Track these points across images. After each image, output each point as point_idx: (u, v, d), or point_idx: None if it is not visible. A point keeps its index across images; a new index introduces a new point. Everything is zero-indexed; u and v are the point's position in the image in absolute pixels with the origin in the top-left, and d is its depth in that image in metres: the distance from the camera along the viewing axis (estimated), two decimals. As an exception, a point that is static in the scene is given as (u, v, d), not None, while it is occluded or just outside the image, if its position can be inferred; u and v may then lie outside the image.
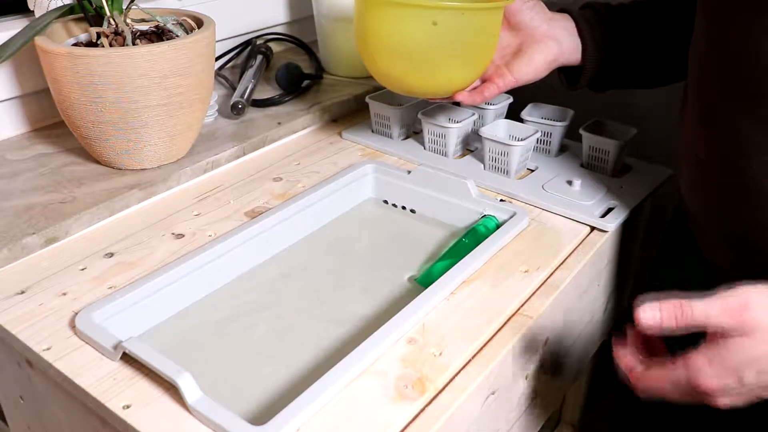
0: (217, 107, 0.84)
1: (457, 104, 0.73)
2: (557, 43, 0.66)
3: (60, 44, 0.65)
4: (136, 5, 0.71)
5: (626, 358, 0.48)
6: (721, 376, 0.43)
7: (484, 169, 0.75)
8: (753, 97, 0.48)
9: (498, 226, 0.66)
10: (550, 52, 0.66)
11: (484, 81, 0.68)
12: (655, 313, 0.44)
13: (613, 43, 0.67)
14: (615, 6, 0.69)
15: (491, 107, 0.82)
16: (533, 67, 0.66)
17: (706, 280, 0.63)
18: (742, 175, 0.50)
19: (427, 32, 0.61)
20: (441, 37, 0.62)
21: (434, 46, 0.62)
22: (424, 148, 0.80)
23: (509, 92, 0.82)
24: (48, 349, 0.50)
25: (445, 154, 0.78)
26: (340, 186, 0.71)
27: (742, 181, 0.50)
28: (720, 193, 0.54)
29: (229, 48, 1.01)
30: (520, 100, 0.82)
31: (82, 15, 0.70)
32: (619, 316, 0.79)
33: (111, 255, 0.61)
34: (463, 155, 0.79)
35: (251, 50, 0.98)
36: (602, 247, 0.65)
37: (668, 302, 0.44)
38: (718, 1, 0.50)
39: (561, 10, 0.69)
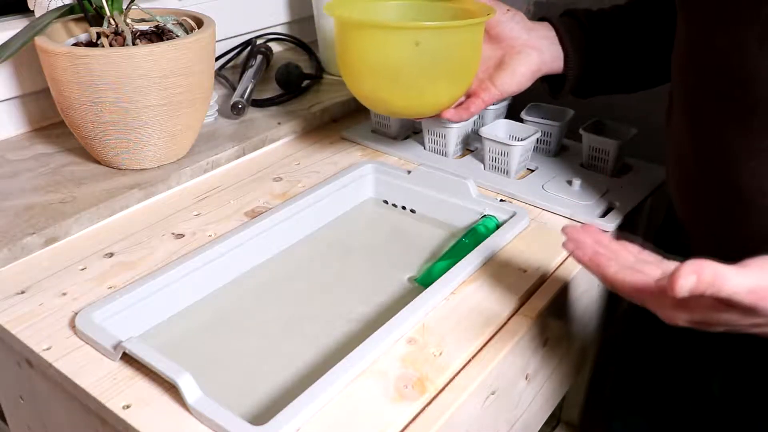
0: (217, 107, 0.84)
1: None
2: (539, 52, 0.66)
3: (60, 44, 0.65)
4: (136, 5, 0.71)
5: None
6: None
7: (484, 169, 0.75)
8: (739, 104, 0.47)
9: (498, 226, 0.66)
10: (532, 62, 0.66)
11: (468, 96, 0.68)
12: (692, 279, 0.39)
13: (594, 50, 0.67)
14: (595, 12, 0.69)
15: (491, 107, 0.82)
16: (516, 78, 0.66)
17: None
18: (729, 180, 0.50)
19: (410, 53, 0.62)
20: (424, 56, 0.62)
21: (418, 65, 0.63)
22: (424, 148, 0.80)
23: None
24: (48, 349, 0.50)
25: (445, 154, 0.78)
26: (340, 186, 0.71)
27: (729, 186, 0.50)
28: (708, 198, 0.54)
29: (229, 48, 1.01)
30: (520, 100, 0.82)
31: (82, 15, 0.70)
32: (619, 316, 0.79)
33: (111, 255, 0.61)
34: (463, 155, 0.79)
35: (251, 50, 0.98)
36: (602, 247, 0.65)
37: (706, 267, 0.40)
38: (701, 10, 0.50)
39: (541, 19, 0.69)
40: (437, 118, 0.68)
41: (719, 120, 0.50)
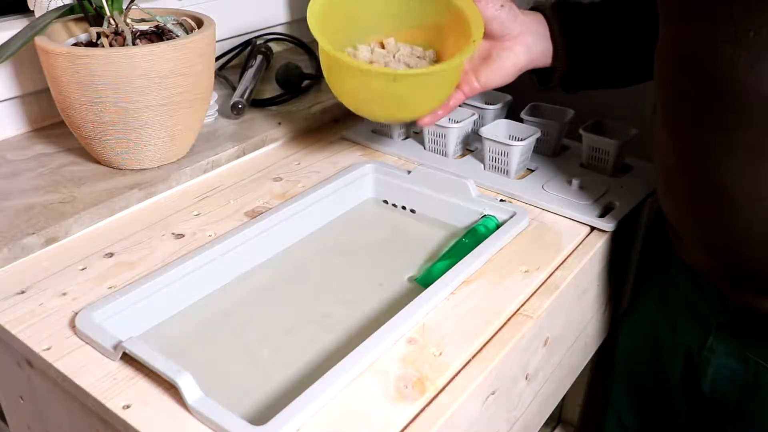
0: (217, 107, 0.84)
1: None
2: (527, 48, 0.65)
3: (60, 44, 0.65)
4: (136, 5, 0.71)
5: None
6: None
7: (484, 169, 0.75)
8: (713, 102, 0.47)
9: (498, 226, 0.66)
10: (519, 60, 0.66)
11: None
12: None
13: (584, 44, 0.67)
14: (586, 5, 0.68)
15: (491, 107, 0.82)
16: (501, 73, 0.66)
17: (689, 283, 0.63)
18: (710, 179, 0.50)
19: (388, 86, 0.62)
20: (403, 88, 0.62)
21: (396, 95, 0.63)
22: (424, 148, 0.80)
23: (509, 92, 0.82)
24: (48, 349, 0.50)
25: (445, 154, 0.78)
26: (340, 186, 0.71)
27: (710, 185, 0.50)
28: (691, 199, 0.54)
29: (229, 48, 1.01)
30: (520, 100, 0.82)
31: (82, 15, 0.70)
32: (619, 315, 0.79)
33: (111, 255, 0.61)
34: (463, 155, 0.79)
35: (251, 50, 0.98)
36: (602, 247, 0.65)
37: None
38: (678, 7, 0.50)
39: (534, 8, 0.68)
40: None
41: (698, 117, 0.50)
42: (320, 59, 0.68)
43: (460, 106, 0.75)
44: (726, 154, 0.48)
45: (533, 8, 0.68)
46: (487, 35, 0.66)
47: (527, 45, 0.65)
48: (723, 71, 0.46)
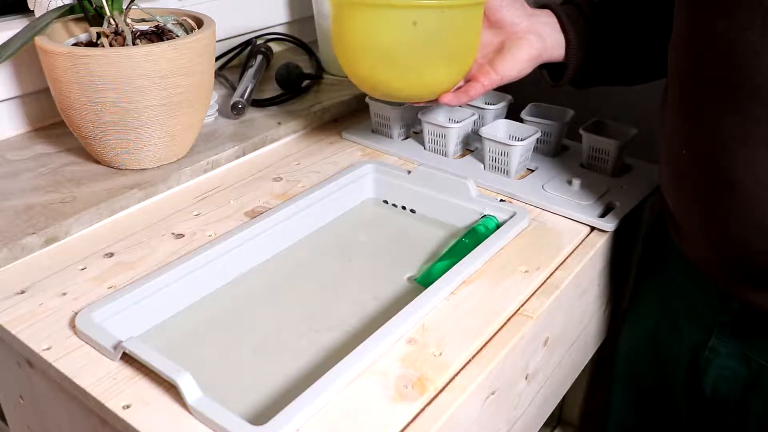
0: (217, 107, 0.84)
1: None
2: (540, 38, 0.66)
3: (60, 44, 0.65)
4: (136, 5, 0.71)
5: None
6: None
7: (484, 169, 0.75)
8: (735, 90, 0.47)
9: (498, 226, 0.66)
10: (533, 48, 0.65)
11: (468, 81, 0.68)
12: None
13: (596, 39, 0.67)
14: (596, 2, 0.68)
15: (491, 107, 0.82)
16: (517, 63, 0.65)
17: (690, 283, 0.63)
18: (724, 170, 0.50)
19: (407, 33, 0.60)
20: (422, 37, 0.61)
21: (416, 46, 0.61)
22: (424, 148, 0.80)
23: (509, 92, 0.82)
24: (48, 349, 0.50)
25: (445, 154, 0.78)
26: (340, 186, 0.71)
27: (724, 176, 0.50)
28: (702, 190, 0.53)
29: (229, 48, 1.01)
30: (520, 100, 0.82)
31: (82, 15, 0.70)
32: (619, 315, 0.79)
33: (111, 255, 0.61)
34: (463, 155, 0.79)
35: (251, 50, 0.98)
36: (602, 247, 0.65)
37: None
38: None
39: (542, 6, 0.69)
40: (435, 102, 0.68)
41: (715, 107, 0.49)
42: (331, 18, 0.66)
43: (461, 106, 0.75)
44: (744, 143, 0.48)
45: (541, 6, 0.69)
46: (497, 25, 0.66)
47: (540, 35, 0.65)
48: (746, 59, 0.46)
